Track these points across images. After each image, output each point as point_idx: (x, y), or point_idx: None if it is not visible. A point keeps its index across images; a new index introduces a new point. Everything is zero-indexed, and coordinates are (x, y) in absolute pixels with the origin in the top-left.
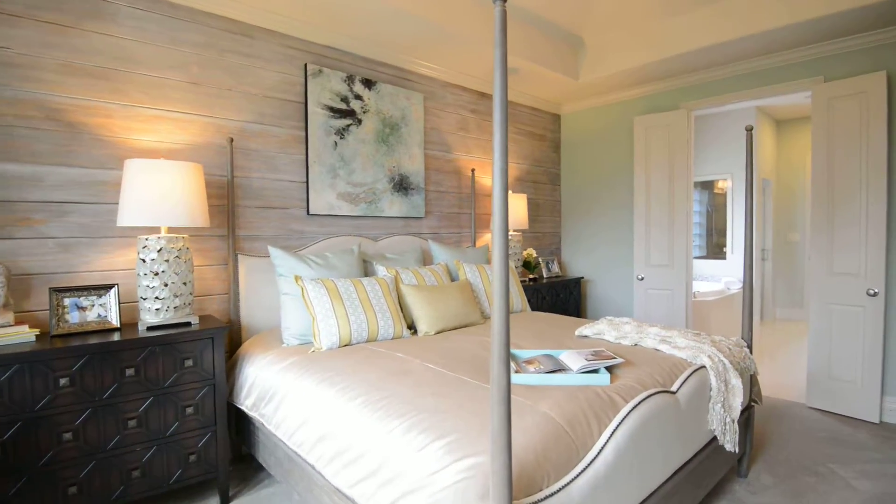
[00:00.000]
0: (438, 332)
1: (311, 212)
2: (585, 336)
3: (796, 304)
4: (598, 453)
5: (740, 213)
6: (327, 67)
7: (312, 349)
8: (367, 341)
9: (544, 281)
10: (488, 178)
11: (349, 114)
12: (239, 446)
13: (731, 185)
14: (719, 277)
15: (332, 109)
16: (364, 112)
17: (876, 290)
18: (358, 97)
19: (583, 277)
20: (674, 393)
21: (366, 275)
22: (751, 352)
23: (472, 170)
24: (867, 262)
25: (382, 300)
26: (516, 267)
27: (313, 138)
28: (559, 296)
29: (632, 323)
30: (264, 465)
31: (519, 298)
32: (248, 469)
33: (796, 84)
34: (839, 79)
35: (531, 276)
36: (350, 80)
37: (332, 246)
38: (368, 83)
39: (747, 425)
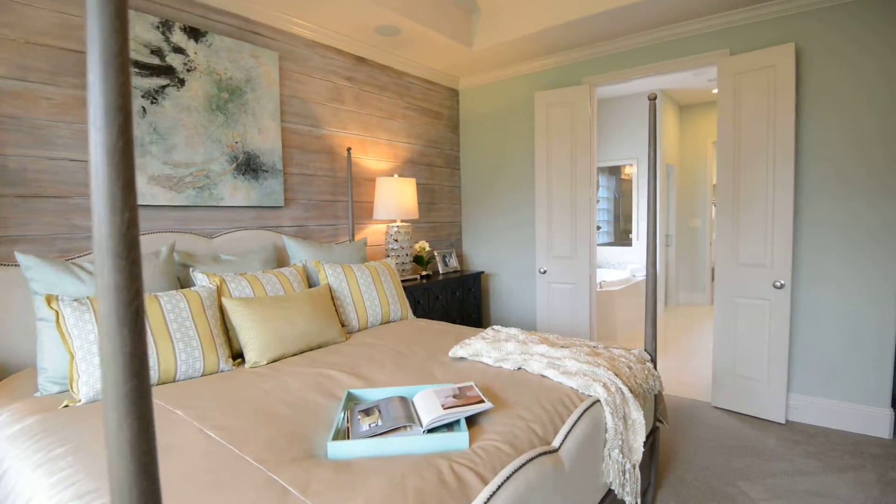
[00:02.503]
0: (274, 361)
1: None
2: (461, 358)
3: (699, 289)
4: None
5: (646, 199)
6: (129, 8)
7: (66, 402)
8: (160, 383)
9: (440, 277)
10: (369, 159)
11: (165, 71)
12: None
13: (636, 171)
14: (626, 264)
15: (137, 65)
16: (188, 70)
17: (782, 282)
18: (179, 50)
19: (483, 272)
20: (555, 451)
21: (185, 285)
22: (655, 366)
23: (349, 149)
24: (773, 253)
25: (189, 323)
26: (403, 264)
27: None
28: (455, 294)
29: (518, 337)
30: None
31: (397, 304)
32: None
33: (701, 57)
34: (746, 51)
35: (423, 273)
36: (166, 27)
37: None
38: (194, 33)
39: (652, 452)
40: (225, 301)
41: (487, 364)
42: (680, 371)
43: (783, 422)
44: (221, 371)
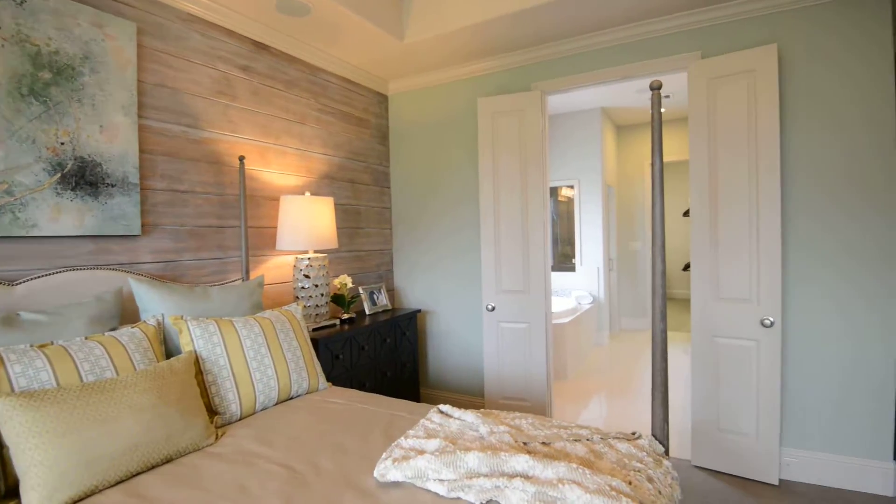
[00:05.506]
0: (76, 503)
1: None
2: (394, 483)
3: (639, 314)
4: None
5: (589, 222)
6: None
7: None
8: None
9: (366, 321)
10: (272, 173)
11: None
12: None
13: (577, 192)
14: (568, 291)
15: None
16: None
17: (772, 320)
18: None
19: (420, 310)
20: None
21: None
22: (667, 451)
23: (241, 157)
24: (759, 285)
25: None
26: (317, 307)
27: None
28: (385, 341)
29: (479, 429)
30: None
31: (303, 371)
32: None
33: (668, 61)
34: (721, 54)
35: (345, 316)
36: None
37: None
38: None
39: None
40: None
41: (437, 494)
42: (645, 415)
43: (776, 482)
44: None
